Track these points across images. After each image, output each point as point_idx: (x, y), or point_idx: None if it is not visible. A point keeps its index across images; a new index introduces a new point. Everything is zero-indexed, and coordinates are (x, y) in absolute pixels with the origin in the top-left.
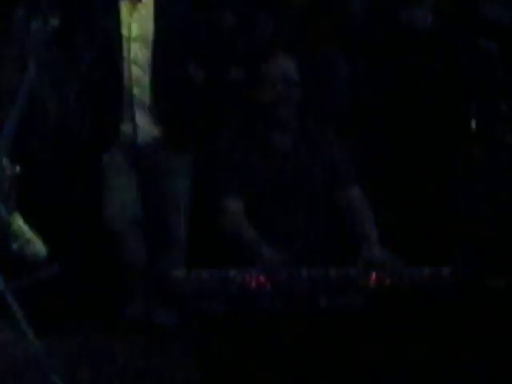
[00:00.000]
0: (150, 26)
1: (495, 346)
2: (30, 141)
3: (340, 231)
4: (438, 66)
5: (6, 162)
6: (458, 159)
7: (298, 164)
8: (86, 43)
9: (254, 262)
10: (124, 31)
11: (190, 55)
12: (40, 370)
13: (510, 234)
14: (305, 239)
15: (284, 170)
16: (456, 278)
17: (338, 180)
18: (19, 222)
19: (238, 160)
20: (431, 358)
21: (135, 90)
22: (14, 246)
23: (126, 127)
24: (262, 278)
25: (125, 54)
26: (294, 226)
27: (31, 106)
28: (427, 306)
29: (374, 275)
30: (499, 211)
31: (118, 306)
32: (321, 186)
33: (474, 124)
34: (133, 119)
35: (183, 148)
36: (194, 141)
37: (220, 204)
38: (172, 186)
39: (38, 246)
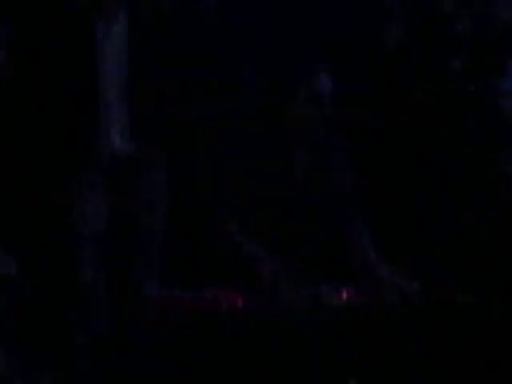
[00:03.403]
0: (124, 46)
1: (466, 362)
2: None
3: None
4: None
5: None
6: (425, 176)
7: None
8: (61, 64)
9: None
10: (99, 51)
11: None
12: None
13: (480, 250)
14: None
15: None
16: (426, 294)
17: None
18: None
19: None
20: (403, 373)
21: (110, 109)
22: None
23: (101, 145)
24: (234, 297)
25: (100, 73)
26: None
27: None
28: (398, 321)
29: (344, 293)
30: (470, 227)
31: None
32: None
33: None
34: (108, 137)
35: (160, 165)
36: (173, 158)
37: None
38: (146, 203)
39: (8, 263)
